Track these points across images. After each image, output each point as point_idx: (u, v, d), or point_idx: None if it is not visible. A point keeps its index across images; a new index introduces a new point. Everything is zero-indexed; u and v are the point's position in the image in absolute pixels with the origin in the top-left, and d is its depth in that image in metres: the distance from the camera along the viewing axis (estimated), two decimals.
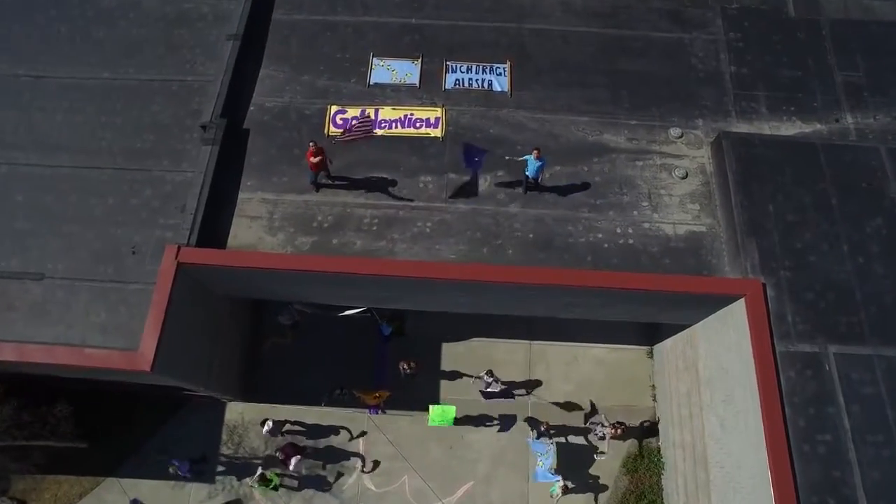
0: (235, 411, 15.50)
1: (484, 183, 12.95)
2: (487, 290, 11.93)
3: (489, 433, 15.55)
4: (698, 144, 13.47)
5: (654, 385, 15.81)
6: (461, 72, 14.06)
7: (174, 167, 12.99)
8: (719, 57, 14.41)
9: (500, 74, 14.04)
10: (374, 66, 14.07)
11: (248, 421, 15.23)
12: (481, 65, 14.13)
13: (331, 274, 11.57)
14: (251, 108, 13.73)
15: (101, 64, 14.12)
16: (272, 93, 13.91)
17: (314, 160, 12.03)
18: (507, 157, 12.43)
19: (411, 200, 12.72)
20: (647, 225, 12.63)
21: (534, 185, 12.67)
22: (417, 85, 13.88)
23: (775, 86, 13.97)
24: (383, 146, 13.20)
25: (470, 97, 13.82)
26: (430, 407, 14.30)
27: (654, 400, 15.68)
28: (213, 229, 12.33)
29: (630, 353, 16.27)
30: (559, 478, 13.77)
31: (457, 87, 13.92)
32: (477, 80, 13.97)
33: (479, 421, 15.59)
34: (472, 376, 15.61)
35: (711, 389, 12.29)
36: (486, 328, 16.21)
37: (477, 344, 16.28)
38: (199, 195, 12.35)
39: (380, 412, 15.48)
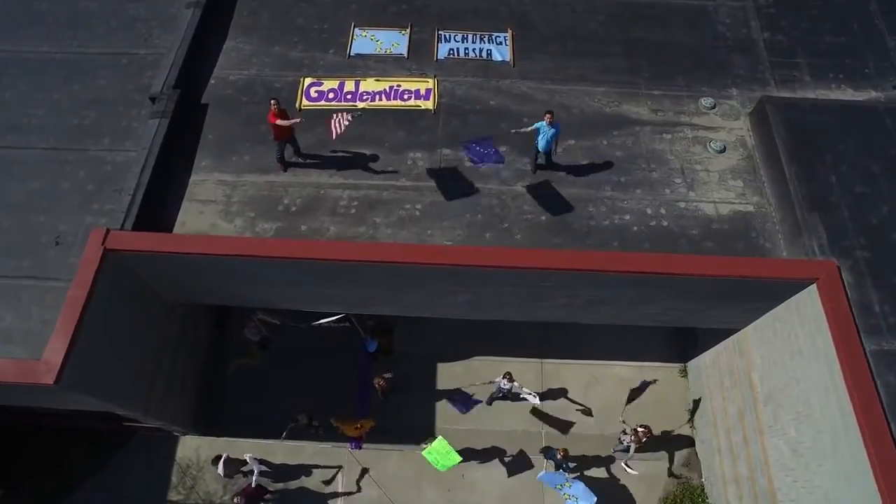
0: (190, 447, 12.83)
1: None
2: (494, 282, 9.62)
3: (495, 470, 12.86)
4: (735, 115, 11.50)
5: (691, 409, 13.23)
6: (455, 41, 12.23)
7: (116, 146, 10.91)
8: (749, 24, 12.66)
9: (501, 44, 12.21)
10: (355, 37, 12.26)
11: (205, 459, 12.54)
12: (479, 34, 12.32)
13: (294, 263, 9.30)
14: (212, 81, 11.79)
15: (41, 37, 12.25)
16: (237, 65, 12.00)
17: (279, 122, 9.95)
18: (512, 131, 10.34)
19: (398, 179, 10.60)
20: (682, 204, 10.51)
21: (545, 162, 10.57)
22: (405, 55, 12.01)
23: (817, 52, 12.15)
24: (364, 120, 11.15)
25: (466, 67, 11.93)
26: (428, 452, 11.28)
27: (693, 426, 13.07)
28: (155, 215, 10.14)
29: (659, 372, 13.77)
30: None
31: (450, 57, 12.05)
32: (474, 49, 12.13)
33: (483, 455, 12.93)
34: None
35: (775, 406, 9.82)
36: (489, 344, 13.79)
37: (478, 363, 13.79)
38: (140, 173, 10.21)
39: (362, 446, 12.84)
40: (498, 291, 10.08)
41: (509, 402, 13.18)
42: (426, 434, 12.78)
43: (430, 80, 11.64)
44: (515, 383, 12.31)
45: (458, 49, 12.13)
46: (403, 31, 12.32)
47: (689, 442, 13.06)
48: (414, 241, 9.88)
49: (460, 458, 11.08)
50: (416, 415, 13.08)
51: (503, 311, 11.28)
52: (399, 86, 11.60)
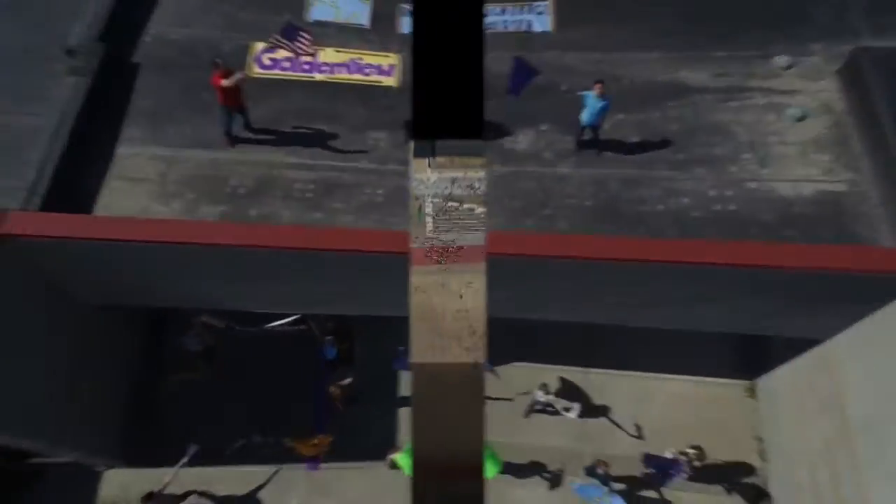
0: (115, 483, 10.33)
1: (525, 139, 8.77)
2: (534, 276, 7.35)
3: (532, 490, 10.46)
4: (818, 75, 9.18)
5: (760, 437, 10.76)
6: (494, 14, 10.22)
7: (19, 108, 8.49)
8: None
9: (542, 13, 10.24)
10: (313, 2, 10.06)
11: (134, 496, 10.03)
12: (517, 5, 10.21)
13: (233, 251, 6.99)
14: (146, 38, 9.52)
15: None
16: (177, 22, 9.81)
17: (225, 84, 7.95)
18: (562, 88, 8.63)
19: (358, 161, 8.44)
20: (753, 185, 8.30)
21: (591, 138, 8.61)
22: (366, 26, 9.92)
23: None
24: (322, 93, 9.27)
25: (503, 41, 9.64)
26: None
27: (764, 459, 10.60)
28: (69, 194, 7.95)
29: (721, 389, 11.28)
30: None
31: (488, 29, 9.70)
32: (513, 21, 10.13)
33: (519, 472, 10.54)
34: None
35: (877, 439, 7.52)
36: (500, 347, 11.08)
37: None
38: (51, 143, 7.90)
39: (320, 466, 10.60)
40: (539, 286, 7.83)
41: (548, 416, 10.93)
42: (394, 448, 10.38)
43: (393, 56, 9.69)
44: (551, 396, 10.53)
45: (495, 22, 10.08)
46: (365, 1, 10.11)
47: (759, 475, 10.58)
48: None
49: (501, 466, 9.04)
50: (380, 427, 10.68)
51: (545, 310, 9.02)
52: (361, 59, 9.66)
